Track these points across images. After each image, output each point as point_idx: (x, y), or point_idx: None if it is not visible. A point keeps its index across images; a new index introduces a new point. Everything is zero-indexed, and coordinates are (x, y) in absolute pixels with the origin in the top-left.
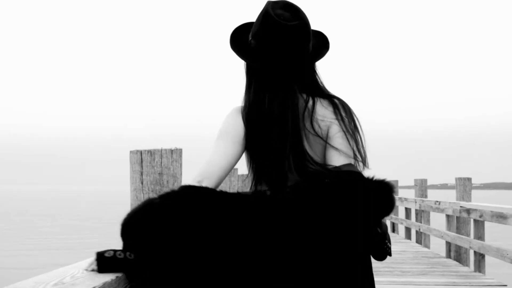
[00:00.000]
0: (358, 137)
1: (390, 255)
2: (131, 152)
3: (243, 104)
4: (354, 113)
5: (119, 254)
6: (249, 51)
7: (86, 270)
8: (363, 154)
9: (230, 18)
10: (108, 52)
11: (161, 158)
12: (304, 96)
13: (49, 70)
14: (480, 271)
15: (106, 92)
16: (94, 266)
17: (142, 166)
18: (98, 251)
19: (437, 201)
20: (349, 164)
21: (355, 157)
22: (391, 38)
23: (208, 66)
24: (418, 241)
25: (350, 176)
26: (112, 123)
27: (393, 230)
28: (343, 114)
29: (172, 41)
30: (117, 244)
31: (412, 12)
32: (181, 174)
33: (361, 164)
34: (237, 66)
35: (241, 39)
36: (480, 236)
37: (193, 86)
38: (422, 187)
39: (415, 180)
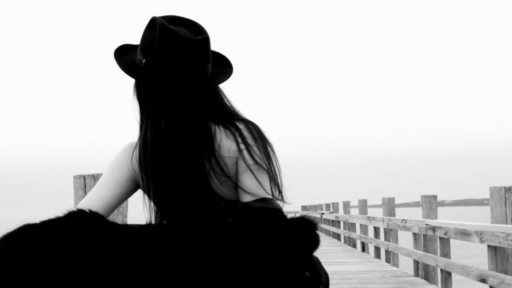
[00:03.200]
0: (272, 167)
1: None
2: (74, 177)
3: (138, 139)
4: (265, 137)
5: None
6: (141, 71)
7: None
8: (277, 189)
9: None
10: (60, 74)
11: None
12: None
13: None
14: None
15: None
16: None
17: (85, 191)
18: None
19: (404, 220)
20: (262, 200)
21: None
22: (359, 57)
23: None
24: (388, 260)
25: (260, 214)
26: (58, 146)
27: (363, 250)
28: (251, 143)
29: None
30: None
31: (388, 32)
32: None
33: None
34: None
35: (129, 60)
36: (446, 253)
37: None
38: (390, 205)
39: (383, 199)
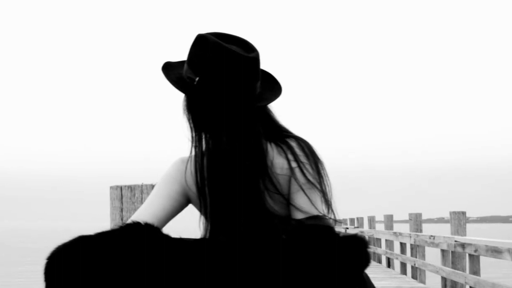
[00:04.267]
0: (323, 185)
1: None
2: (111, 187)
3: (193, 163)
4: (316, 155)
5: None
6: (193, 88)
7: None
8: (330, 209)
9: None
10: (97, 88)
11: (142, 194)
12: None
13: (28, 104)
14: None
15: (94, 127)
16: None
17: (122, 202)
18: None
19: (432, 236)
20: (315, 217)
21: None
22: (382, 68)
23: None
24: (414, 276)
25: (313, 231)
26: (99, 159)
27: (388, 265)
28: (303, 160)
29: (154, 74)
30: None
31: (394, 45)
32: None
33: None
34: None
35: (175, 77)
36: (475, 271)
37: (174, 122)
38: (417, 221)
39: (410, 214)
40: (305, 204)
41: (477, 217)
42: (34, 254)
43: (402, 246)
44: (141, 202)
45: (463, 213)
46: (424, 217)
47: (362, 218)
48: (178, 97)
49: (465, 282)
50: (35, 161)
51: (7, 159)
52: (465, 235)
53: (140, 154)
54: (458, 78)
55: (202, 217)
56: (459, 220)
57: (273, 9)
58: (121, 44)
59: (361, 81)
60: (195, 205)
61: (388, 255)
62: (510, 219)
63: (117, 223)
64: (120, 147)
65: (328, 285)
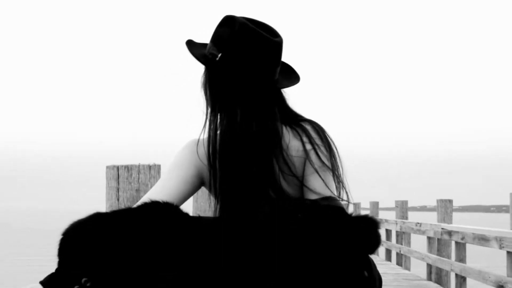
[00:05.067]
0: (337, 167)
1: None
2: (107, 167)
3: (206, 134)
4: (330, 138)
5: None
6: (214, 64)
7: None
8: (344, 190)
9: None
10: (83, 68)
11: (139, 174)
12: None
13: (24, 86)
14: None
15: (83, 108)
16: None
17: (118, 182)
18: (42, 280)
19: (418, 223)
20: (329, 198)
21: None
22: (376, 61)
23: (186, 85)
24: (399, 263)
25: (327, 211)
26: (89, 139)
27: None
28: (318, 143)
29: (151, 59)
30: None
31: (397, 38)
32: None
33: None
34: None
35: (197, 53)
36: (461, 258)
37: (172, 103)
38: (403, 208)
39: (396, 202)
40: (319, 185)
41: (459, 206)
42: (19, 234)
43: (388, 232)
44: (138, 182)
45: (450, 201)
46: (408, 205)
47: (347, 205)
48: (171, 85)
49: (451, 269)
50: (29, 142)
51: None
52: (451, 223)
53: (134, 136)
54: (453, 73)
55: (213, 193)
56: (445, 208)
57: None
58: (114, 30)
59: (356, 70)
60: (207, 185)
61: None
62: (492, 208)
63: (113, 203)
64: (115, 130)
65: (340, 264)
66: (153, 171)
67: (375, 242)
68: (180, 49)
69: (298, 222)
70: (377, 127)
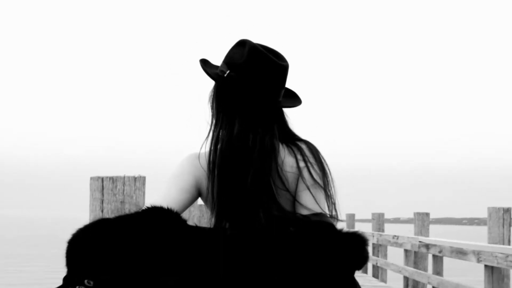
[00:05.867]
0: (328, 187)
1: None
2: (91, 178)
3: (208, 145)
4: (323, 158)
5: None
6: (223, 80)
7: None
8: (334, 208)
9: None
10: (75, 70)
11: (124, 186)
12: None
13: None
14: None
15: (65, 112)
16: None
17: (103, 194)
18: None
19: (395, 236)
20: (320, 214)
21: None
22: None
23: (172, 92)
24: (375, 275)
25: (318, 227)
26: (73, 145)
27: None
28: (311, 161)
29: (136, 65)
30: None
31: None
32: (143, 203)
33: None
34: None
35: (210, 71)
36: (438, 271)
37: (156, 111)
38: (379, 221)
39: (373, 214)
40: (310, 202)
41: (433, 218)
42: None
43: None
44: (123, 194)
45: (427, 214)
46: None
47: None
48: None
49: (428, 282)
50: (13, 146)
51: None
52: (428, 235)
53: (121, 145)
54: (426, 90)
55: (209, 203)
56: (422, 221)
57: (283, 8)
58: (114, 34)
59: (334, 81)
60: (204, 197)
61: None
62: (464, 221)
63: (97, 214)
64: (100, 138)
65: (330, 277)
66: (138, 183)
67: (363, 258)
68: (180, 50)
69: (290, 236)
70: (353, 138)
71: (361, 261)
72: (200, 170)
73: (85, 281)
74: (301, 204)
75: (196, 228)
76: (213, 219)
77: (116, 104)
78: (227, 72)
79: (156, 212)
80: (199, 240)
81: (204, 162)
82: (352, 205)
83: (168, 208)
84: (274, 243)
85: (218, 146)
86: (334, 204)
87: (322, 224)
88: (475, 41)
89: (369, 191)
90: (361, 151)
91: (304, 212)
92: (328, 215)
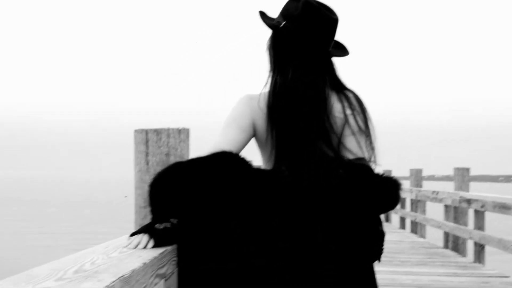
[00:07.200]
0: (370, 134)
1: (379, 260)
2: (135, 131)
3: (268, 87)
4: (366, 109)
5: (166, 224)
6: (280, 32)
7: (127, 247)
8: (373, 153)
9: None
10: (103, 37)
11: (168, 138)
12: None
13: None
14: (480, 262)
15: (100, 78)
16: (143, 242)
17: (147, 146)
18: (141, 228)
19: (435, 191)
20: (362, 159)
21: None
22: (395, 36)
23: (209, 55)
24: (413, 231)
25: (363, 171)
26: (108, 109)
27: (387, 220)
28: (357, 109)
29: (174, 28)
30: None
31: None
32: (188, 155)
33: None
34: (232, 60)
35: (269, 21)
36: (480, 226)
37: (195, 74)
38: (417, 177)
39: (411, 170)
40: (355, 147)
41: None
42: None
43: (402, 201)
44: (167, 147)
45: (467, 169)
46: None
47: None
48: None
49: (470, 237)
50: (55, 113)
51: (24, 110)
52: (468, 191)
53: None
54: (465, 43)
55: (268, 145)
56: (462, 176)
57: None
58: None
59: (381, 41)
60: (260, 138)
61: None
62: (500, 178)
63: (142, 167)
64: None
65: (369, 215)
66: (183, 135)
67: (396, 201)
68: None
69: (339, 177)
70: (393, 96)
71: (393, 203)
72: (256, 110)
73: (171, 220)
74: (346, 148)
75: (259, 171)
76: (271, 160)
77: (152, 68)
78: (283, 23)
79: (224, 157)
80: (261, 183)
81: (261, 103)
82: (388, 162)
83: (234, 153)
84: (327, 184)
85: (274, 91)
86: (374, 150)
87: (366, 168)
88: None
89: (401, 148)
90: (398, 108)
91: (349, 156)
92: (369, 160)
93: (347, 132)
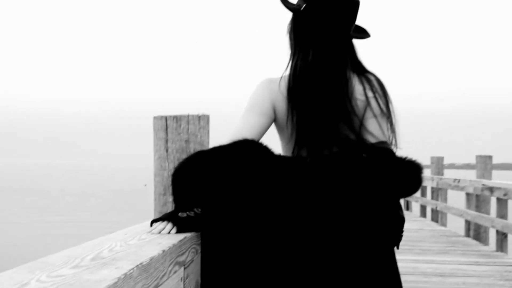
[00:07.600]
0: (391, 117)
1: (398, 247)
2: (155, 118)
3: (289, 70)
4: (387, 91)
5: (190, 213)
6: (301, 15)
7: (151, 233)
8: (394, 137)
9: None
10: (103, 37)
11: (188, 125)
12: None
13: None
14: (502, 251)
15: (100, 78)
16: (168, 228)
17: (167, 133)
18: (164, 215)
19: (456, 179)
20: (384, 142)
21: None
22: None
23: (209, 55)
24: (434, 219)
25: (385, 154)
26: (108, 109)
27: (407, 208)
28: (379, 92)
29: (174, 28)
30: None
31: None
32: (208, 142)
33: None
34: (249, 46)
35: (289, 4)
36: (503, 215)
37: (215, 60)
38: (438, 164)
39: (432, 158)
40: (376, 130)
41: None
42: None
43: (422, 189)
44: (187, 133)
45: (490, 157)
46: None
47: (396, 150)
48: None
49: (492, 226)
50: (74, 102)
51: (44, 99)
52: (491, 179)
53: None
54: (479, 28)
55: (288, 129)
56: (485, 164)
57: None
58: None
59: (398, 27)
60: (280, 121)
61: (407, 198)
62: None
63: (162, 154)
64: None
65: (390, 199)
66: (203, 121)
67: (418, 185)
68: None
69: (362, 161)
70: (412, 83)
71: (415, 187)
72: (276, 94)
73: (194, 208)
74: (367, 131)
75: (281, 159)
76: (290, 143)
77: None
78: (304, 5)
79: (246, 145)
80: (282, 171)
81: (281, 86)
82: (406, 151)
83: (256, 141)
84: (350, 168)
85: (295, 74)
86: (395, 133)
87: (389, 152)
88: None
89: (421, 135)
90: (417, 96)
91: (371, 138)
92: (390, 143)
93: (368, 114)
